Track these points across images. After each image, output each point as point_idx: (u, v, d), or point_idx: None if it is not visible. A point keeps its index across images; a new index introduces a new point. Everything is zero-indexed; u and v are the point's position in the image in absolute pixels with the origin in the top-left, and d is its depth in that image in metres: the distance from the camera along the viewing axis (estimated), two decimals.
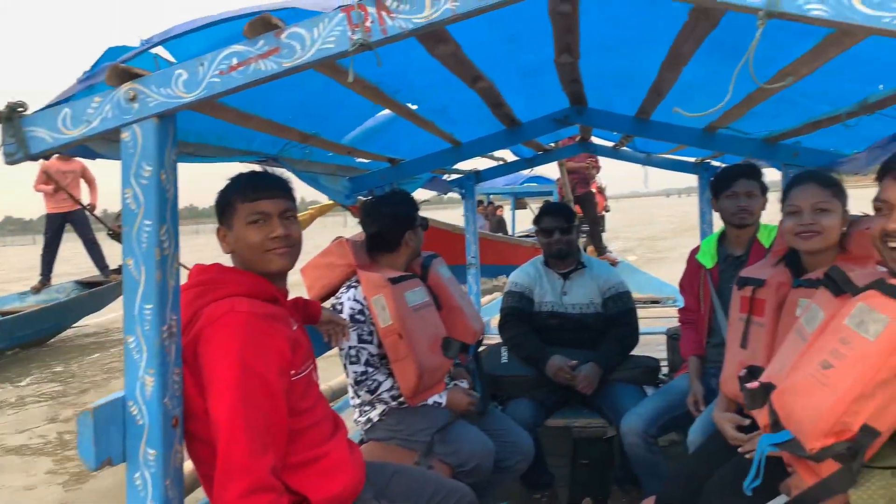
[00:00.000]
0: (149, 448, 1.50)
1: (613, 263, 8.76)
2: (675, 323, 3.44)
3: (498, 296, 6.55)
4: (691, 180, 5.07)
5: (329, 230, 8.88)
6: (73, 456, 5.10)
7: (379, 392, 2.63)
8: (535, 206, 13.04)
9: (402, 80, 2.27)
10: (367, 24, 1.32)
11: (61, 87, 1.56)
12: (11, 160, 1.49)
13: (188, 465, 1.77)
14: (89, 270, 10.17)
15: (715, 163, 4.78)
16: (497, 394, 3.30)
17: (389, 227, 2.77)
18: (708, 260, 2.99)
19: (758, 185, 2.87)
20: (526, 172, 10.32)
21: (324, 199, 4.34)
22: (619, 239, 23.18)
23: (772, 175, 3.21)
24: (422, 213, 2.92)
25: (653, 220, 37.66)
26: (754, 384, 1.83)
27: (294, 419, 1.74)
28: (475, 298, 5.25)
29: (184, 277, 1.68)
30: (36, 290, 9.74)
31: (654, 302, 6.58)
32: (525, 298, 3.47)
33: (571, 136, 5.16)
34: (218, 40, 1.44)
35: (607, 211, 13.16)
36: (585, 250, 9.59)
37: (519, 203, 16.09)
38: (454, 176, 5.07)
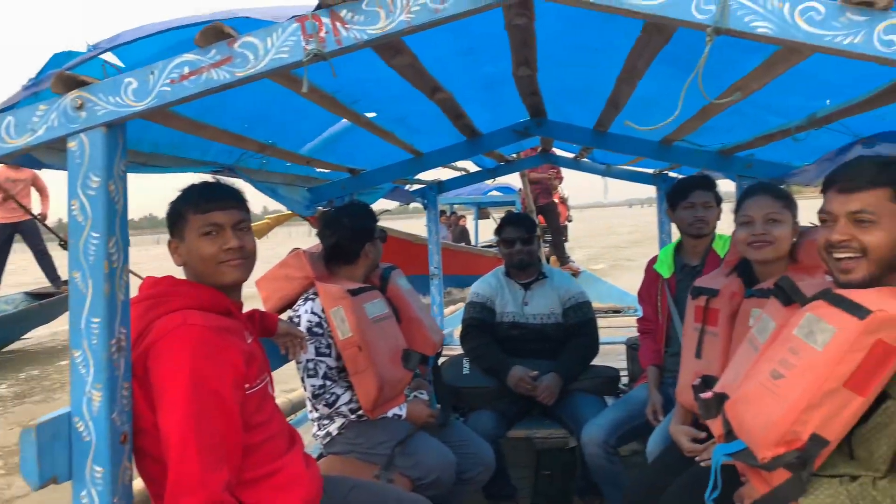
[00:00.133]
0: (96, 465, 1.46)
1: (576, 273, 8.85)
2: (635, 332, 3.48)
3: (462, 306, 6.56)
4: (652, 191, 5.16)
5: (294, 240, 8.79)
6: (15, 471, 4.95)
7: (337, 405, 2.61)
8: (497, 216, 13.13)
9: (360, 90, 2.27)
10: (322, 34, 1.32)
11: (4, 94, 1.52)
12: None
13: (138, 484, 1.73)
14: (44, 281, 9.92)
15: (673, 174, 4.87)
16: (459, 405, 3.30)
17: (348, 238, 2.75)
18: (665, 270, 3.04)
19: (713, 196, 2.94)
20: (490, 182, 10.39)
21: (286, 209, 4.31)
22: (582, 248, 23.44)
23: (725, 186, 3.29)
24: (384, 223, 2.92)
25: (615, 231, 38.18)
26: (708, 394, 1.86)
27: (248, 434, 1.71)
28: (438, 309, 5.25)
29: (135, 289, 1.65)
30: None
31: (616, 311, 6.66)
32: (487, 309, 3.48)
33: (533, 148, 5.22)
34: (169, 48, 1.42)
35: (570, 221, 13.29)
36: (548, 260, 9.69)
37: (482, 213, 16.18)
38: (416, 186, 5.08)
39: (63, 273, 9.11)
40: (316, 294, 2.66)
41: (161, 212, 1.86)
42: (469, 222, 15.97)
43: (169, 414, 1.56)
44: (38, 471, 1.42)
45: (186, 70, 1.37)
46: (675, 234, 3.14)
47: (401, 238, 9.36)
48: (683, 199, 2.90)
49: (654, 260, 3.16)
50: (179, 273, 1.86)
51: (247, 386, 1.71)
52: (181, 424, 1.54)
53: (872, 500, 1.48)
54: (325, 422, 2.69)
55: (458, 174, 5.30)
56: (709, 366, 2.25)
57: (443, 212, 13.86)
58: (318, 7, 1.32)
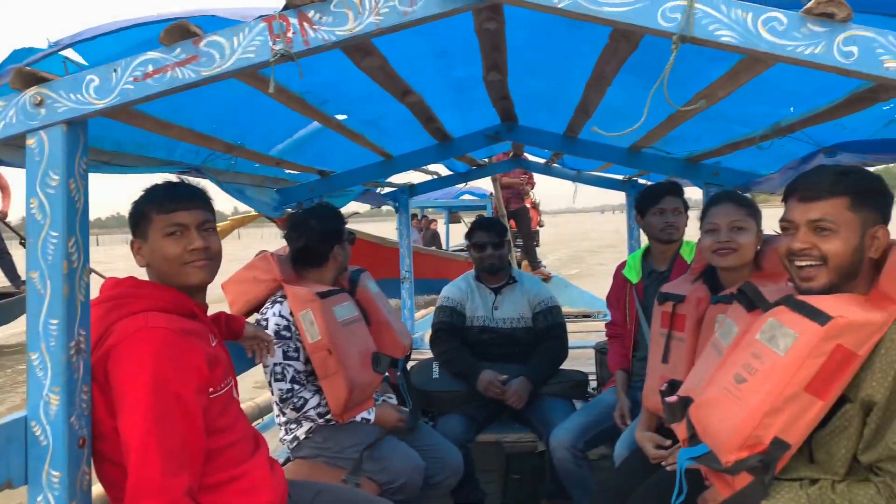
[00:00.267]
0: (53, 470, 1.44)
1: (547, 278, 8.90)
2: (604, 337, 3.51)
3: (432, 310, 6.56)
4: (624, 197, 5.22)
5: (266, 241, 8.71)
6: None
7: (305, 409, 2.59)
8: (469, 220, 13.15)
9: (330, 91, 2.26)
10: (289, 34, 1.31)
11: None
12: None
13: (98, 489, 1.70)
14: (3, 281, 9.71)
15: (642, 181, 4.93)
16: (428, 409, 3.29)
17: (316, 241, 2.73)
18: (633, 275, 3.07)
19: (682, 203, 2.98)
20: (461, 186, 10.42)
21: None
22: (553, 253, 23.58)
23: (691, 193, 3.34)
24: (353, 226, 2.90)
25: (587, 236, 38.51)
26: (673, 398, 1.88)
27: (212, 438, 1.69)
28: (409, 313, 5.24)
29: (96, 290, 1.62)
30: None
31: (586, 316, 6.71)
32: (456, 313, 3.48)
33: (505, 152, 5.24)
34: (133, 46, 1.41)
35: (541, 226, 13.39)
36: (520, 265, 9.73)
37: (453, 217, 16.20)
38: (388, 189, 5.07)
39: (23, 273, 8.92)
40: (284, 297, 2.64)
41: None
42: (440, 226, 15.98)
43: (130, 417, 1.54)
44: None
45: (150, 68, 1.35)
46: (645, 240, 3.18)
47: (370, 241, 9.32)
48: (654, 205, 2.93)
49: (622, 265, 3.19)
50: (145, 274, 1.83)
51: (211, 390, 1.70)
52: (142, 428, 1.52)
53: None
54: (293, 426, 2.67)
55: (429, 178, 5.30)
56: (675, 371, 2.28)
57: (414, 215, 13.84)
58: (286, 7, 1.32)
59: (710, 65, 1.81)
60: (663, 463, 2.21)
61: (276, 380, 2.59)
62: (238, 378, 2.01)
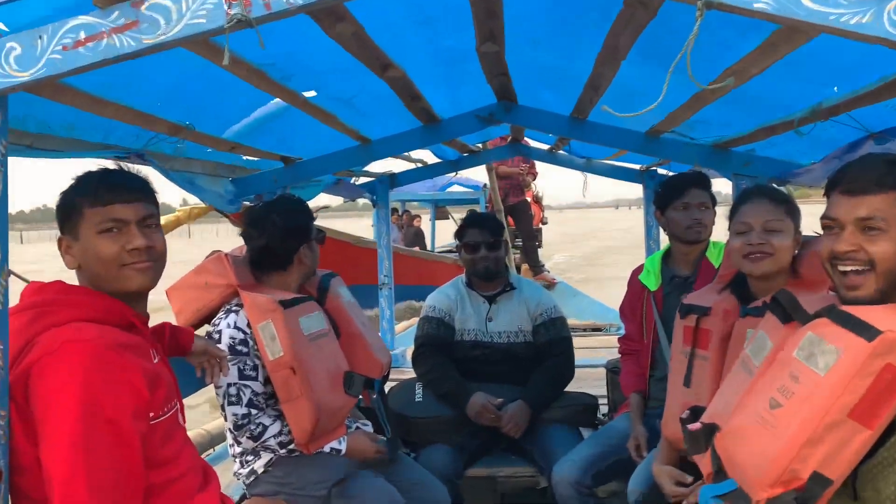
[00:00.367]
0: None
1: (550, 284, 8.93)
2: (617, 354, 3.52)
3: (415, 322, 6.57)
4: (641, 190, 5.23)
5: (222, 239, 8.69)
6: None
7: (264, 438, 2.58)
8: (458, 216, 13.17)
9: (296, 64, 2.26)
10: None
11: None
12: None
13: None
14: None
15: (662, 171, 4.94)
16: (409, 438, 3.29)
17: (279, 239, 2.73)
18: (652, 281, 3.08)
19: (709, 196, 2.98)
20: (450, 176, 10.43)
21: None
22: (559, 255, 23.67)
23: (719, 186, 3.35)
24: (322, 222, 2.90)
25: (597, 235, 38.67)
26: (696, 426, 1.89)
27: (153, 471, 1.69)
28: (388, 325, 5.23)
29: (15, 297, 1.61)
30: None
31: (596, 329, 6.74)
32: (444, 325, 3.49)
33: (502, 137, 5.26)
34: (62, 9, 1.40)
35: (544, 223, 13.41)
36: (519, 269, 9.75)
37: (440, 213, 16.21)
38: (364, 179, 5.07)
39: None
40: (240, 305, 2.63)
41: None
42: (425, 223, 16.00)
43: (53, 446, 1.53)
44: None
45: (83, 35, 1.35)
46: (665, 241, 3.18)
47: (342, 240, 9.32)
48: (678, 199, 2.92)
49: (638, 270, 3.19)
50: (75, 278, 1.82)
51: (151, 415, 1.69)
52: (68, 459, 1.52)
53: None
54: (249, 457, 2.66)
55: (413, 166, 5.31)
56: (699, 396, 2.28)
57: (394, 210, 13.85)
58: None
59: (741, 37, 1.82)
60: (684, 502, 2.22)
61: (231, 403, 2.58)
62: (185, 401, 2.00)
